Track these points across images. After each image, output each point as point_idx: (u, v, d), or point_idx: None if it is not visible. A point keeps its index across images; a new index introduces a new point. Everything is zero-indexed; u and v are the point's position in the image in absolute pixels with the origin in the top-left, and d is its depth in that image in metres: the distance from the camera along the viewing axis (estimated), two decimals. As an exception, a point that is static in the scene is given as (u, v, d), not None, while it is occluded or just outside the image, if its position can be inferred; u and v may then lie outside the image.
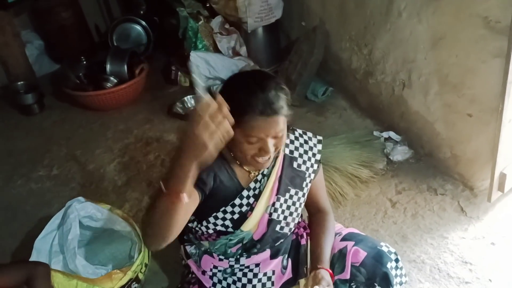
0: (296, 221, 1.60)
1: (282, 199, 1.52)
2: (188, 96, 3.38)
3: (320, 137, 1.60)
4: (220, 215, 1.49)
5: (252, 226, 1.52)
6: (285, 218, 1.54)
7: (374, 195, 2.39)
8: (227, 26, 3.49)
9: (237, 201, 1.48)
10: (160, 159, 2.89)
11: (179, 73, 3.64)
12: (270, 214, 1.51)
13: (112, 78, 3.35)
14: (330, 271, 1.49)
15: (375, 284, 1.52)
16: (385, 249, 1.58)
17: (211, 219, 1.49)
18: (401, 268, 1.60)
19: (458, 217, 2.19)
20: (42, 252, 1.76)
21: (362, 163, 2.51)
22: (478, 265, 1.95)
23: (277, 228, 1.54)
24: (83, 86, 3.40)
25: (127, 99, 3.44)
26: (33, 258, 1.74)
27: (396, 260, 1.58)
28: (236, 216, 1.50)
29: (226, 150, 1.44)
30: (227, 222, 1.51)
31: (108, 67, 3.38)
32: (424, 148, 2.56)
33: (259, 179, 1.50)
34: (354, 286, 1.53)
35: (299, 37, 3.37)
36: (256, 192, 1.50)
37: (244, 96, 1.29)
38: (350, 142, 2.66)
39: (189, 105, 3.36)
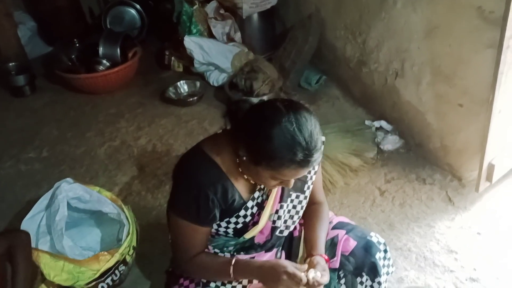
0: (296, 223, 1.59)
1: (285, 205, 1.50)
2: (181, 81, 3.36)
3: (323, 138, 1.47)
4: (223, 224, 1.47)
5: (255, 233, 1.50)
6: (285, 221, 1.53)
7: (363, 183, 2.40)
8: (222, 11, 3.46)
9: (241, 212, 1.45)
10: (151, 143, 2.88)
11: (172, 58, 3.61)
12: (274, 222, 1.50)
13: (104, 61, 3.32)
14: (326, 257, 1.49)
15: (363, 273, 1.53)
16: (374, 239, 1.58)
17: (214, 225, 1.47)
18: (389, 259, 1.61)
19: (446, 207, 2.21)
20: (29, 232, 1.76)
21: (352, 152, 2.52)
22: (464, 254, 1.98)
23: (277, 232, 1.53)
24: (76, 68, 3.37)
25: (120, 83, 3.42)
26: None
27: (385, 251, 1.59)
28: (239, 226, 1.48)
29: (231, 167, 1.38)
30: (230, 231, 1.49)
31: (101, 50, 3.35)
32: (414, 138, 2.57)
33: (262, 187, 1.47)
34: (342, 275, 1.54)
35: (294, 25, 3.35)
36: (259, 200, 1.48)
37: (286, 150, 1.21)
38: (342, 131, 2.67)
39: (181, 90, 3.35)
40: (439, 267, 1.94)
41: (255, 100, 1.40)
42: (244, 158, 1.30)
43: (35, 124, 3.18)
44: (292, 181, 1.36)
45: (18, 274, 1.57)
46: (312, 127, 1.24)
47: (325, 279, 1.37)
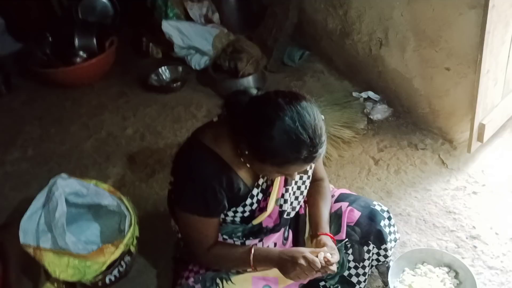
0: (301, 203, 1.60)
1: (290, 189, 1.50)
2: (163, 67, 3.29)
3: (321, 116, 1.51)
4: (230, 213, 1.47)
5: (263, 219, 1.51)
6: (291, 204, 1.54)
7: (357, 154, 2.42)
8: (197, -8, 3.40)
9: (248, 201, 1.45)
10: (139, 133, 2.83)
11: (150, 44, 3.53)
12: (281, 206, 1.50)
13: (81, 53, 3.24)
14: (331, 235, 1.50)
15: (369, 242, 1.56)
16: (378, 208, 1.61)
17: (221, 215, 1.47)
18: (393, 225, 1.64)
19: (440, 170, 2.25)
20: (28, 232, 1.71)
21: (343, 124, 2.53)
22: (462, 214, 2.02)
23: (285, 215, 1.54)
24: (52, 62, 3.28)
25: (99, 74, 3.34)
26: (20, 238, 1.69)
27: (389, 218, 1.62)
28: (246, 214, 1.48)
29: (233, 157, 1.36)
30: (237, 219, 1.50)
31: (76, 41, 3.27)
32: (403, 105, 2.59)
33: None
34: (349, 245, 1.56)
35: (271, 1, 3.30)
36: (264, 186, 1.47)
37: (290, 150, 1.21)
38: (330, 104, 2.67)
39: (164, 76, 3.29)
40: (440, 228, 1.97)
41: (254, 91, 1.36)
42: (247, 152, 1.28)
43: (15, 123, 3.09)
44: (296, 173, 1.36)
45: (9, 270, 1.54)
46: (315, 121, 1.22)
47: (336, 257, 1.39)
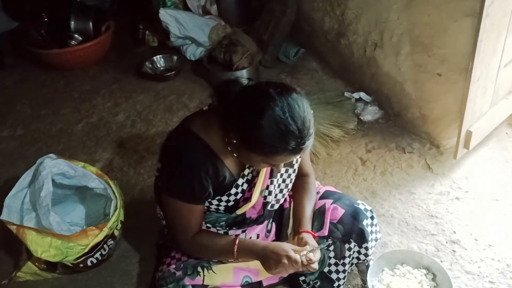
0: (286, 196, 1.62)
1: (275, 181, 1.51)
2: (158, 56, 3.29)
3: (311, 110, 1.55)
4: (214, 202, 1.48)
5: (246, 209, 1.52)
6: (275, 196, 1.55)
7: (345, 153, 2.44)
8: (196, -17, 3.39)
9: (233, 190, 1.46)
10: (130, 119, 2.83)
11: (146, 32, 3.52)
12: (265, 197, 1.52)
13: (77, 36, 3.22)
14: (312, 233, 1.53)
15: (351, 240, 1.58)
16: (361, 207, 1.63)
17: (205, 203, 1.48)
18: (376, 225, 1.66)
19: (425, 174, 2.28)
20: (13, 210, 1.72)
21: (333, 123, 2.55)
22: (443, 218, 2.05)
23: (269, 207, 1.55)
24: (46, 43, 3.25)
25: (93, 58, 3.32)
26: (3, 215, 1.70)
27: (372, 218, 1.64)
28: (230, 204, 1.50)
29: (220, 145, 1.37)
30: (221, 208, 1.51)
31: (72, 24, 3.25)
32: (393, 108, 2.61)
33: None
34: (330, 242, 1.58)
35: (270, -3, 3.31)
36: (249, 177, 1.49)
37: (279, 140, 1.22)
38: (322, 103, 2.69)
39: (158, 65, 3.28)
40: (421, 231, 2.00)
41: (245, 81, 1.38)
42: (235, 141, 1.30)
43: (6, 102, 3.07)
44: (282, 164, 1.37)
45: None
46: (305, 113, 1.24)
47: (317, 256, 1.41)
